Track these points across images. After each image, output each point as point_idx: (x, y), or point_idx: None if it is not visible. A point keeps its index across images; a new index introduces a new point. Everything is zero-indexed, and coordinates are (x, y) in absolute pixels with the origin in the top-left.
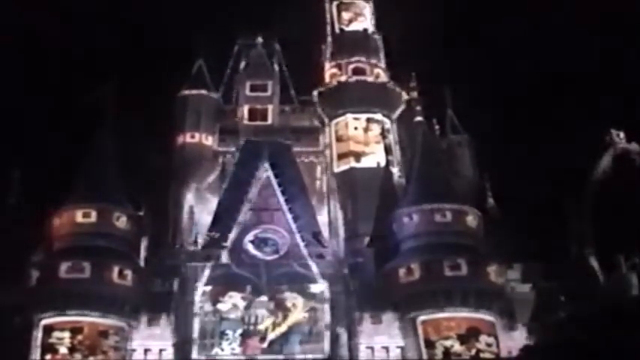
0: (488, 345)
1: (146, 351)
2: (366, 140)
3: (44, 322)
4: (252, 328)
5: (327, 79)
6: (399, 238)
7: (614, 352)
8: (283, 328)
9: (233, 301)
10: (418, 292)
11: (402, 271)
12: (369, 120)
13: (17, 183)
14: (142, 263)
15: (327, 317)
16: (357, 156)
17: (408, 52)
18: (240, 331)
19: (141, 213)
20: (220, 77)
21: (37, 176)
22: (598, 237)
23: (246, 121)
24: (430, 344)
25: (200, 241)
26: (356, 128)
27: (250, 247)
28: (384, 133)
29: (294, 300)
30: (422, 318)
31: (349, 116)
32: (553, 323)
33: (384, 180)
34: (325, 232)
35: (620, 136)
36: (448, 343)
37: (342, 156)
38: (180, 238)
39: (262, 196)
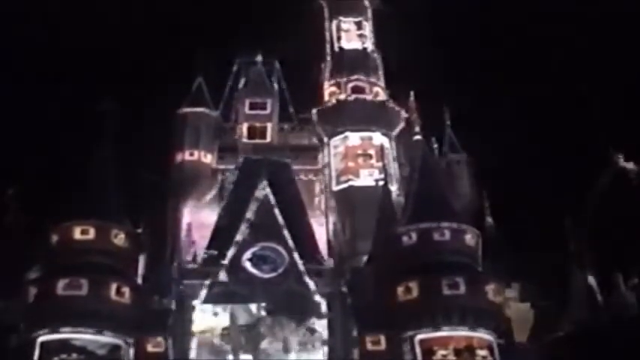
0: None
1: None
2: (365, 159)
3: (41, 339)
4: (250, 346)
5: (326, 97)
6: (397, 256)
7: None
8: (281, 346)
9: (231, 319)
10: (416, 310)
11: (400, 290)
12: (367, 138)
13: (15, 199)
14: (139, 280)
15: (324, 335)
16: (356, 174)
17: (407, 70)
18: (237, 349)
19: (139, 230)
20: (220, 95)
21: (34, 192)
22: (597, 256)
23: (245, 139)
24: None
25: (198, 258)
26: (355, 146)
27: (248, 265)
28: (382, 152)
29: (291, 318)
30: (420, 337)
31: (348, 134)
32: (552, 342)
33: (383, 198)
34: (324, 250)
35: (618, 156)
36: None
37: (340, 174)
38: (178, 256)
39: (261, 214)
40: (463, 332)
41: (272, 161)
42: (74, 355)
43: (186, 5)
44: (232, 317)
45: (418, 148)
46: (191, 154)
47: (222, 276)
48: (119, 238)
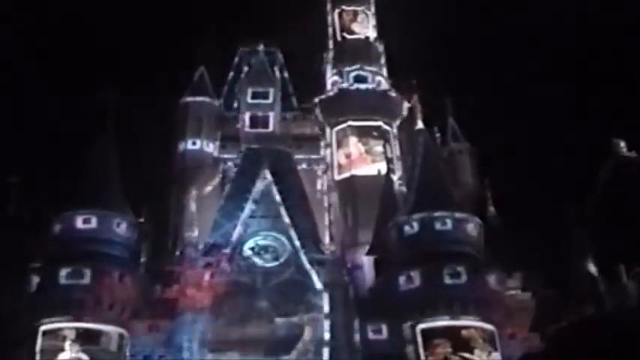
0: (488, 353)
1: (145, 357)
2: (367, 148)
3: (44, 328)
4: (251, 334)
5: (328, 86)
6: (399, 245)
7: None
8: (283, 335)
9: (233, 308)
10: (418, 300)
11: (401, 279)
12: (370, 128)
13: (17, 189)
14: (142, 270)
15: (326, 325)
16: (358, 164)
17: (409, 59)
18: (239, 337)
19: (141, 219)
20: (222, 84)
21: (37, 182)
22: (599, 246)
23: (247, 129)
24: (430, 352)
25: (200, 247)
26: (357, 136)
27: (250, 255)
28: (384, 141)
29: (293, 307)
30: (421, 326)
31: (350, 124)
32: (553, 332)
33: (385, 188)
34: (325, 240)
35: (621, 145)
36: (447, 351)
37: (342, 164)
38: (181, 245)
39: (263, 204)
40: (465, 321)
41: (274, 150)
42: (77, 344)
43: None
44: (234, 307)
45: (420, 138)
46: (193, 144)
47: (224, 265)
48: (121, 227)
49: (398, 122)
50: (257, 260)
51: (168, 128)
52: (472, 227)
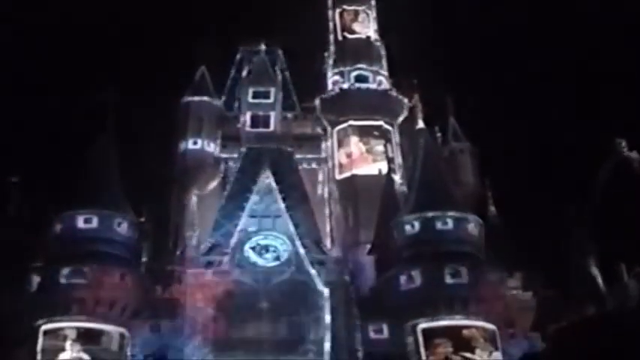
0: (489, 353)
1: (146, 357)
2: (368, 148)
3: (45, 327)
4: (252, 334)
5: (329, 86)
6: (400, 245)
7: None
8: (284, 335)
9: (234, 308)
10: (419, 299)
11: (402, 279)
12: (371, 127)
13: (17, 189)
14: (142, 269)
15: (327, 324)
16: (359, 163)
17: (410, 59)
18: (240, 337)
19: (142, 219)
20: (223, 84)
21: (37, 182)
22: (599, 246)
23: (248, 128)
24: (431, 352)
25: (201, 247)
26: (358, 135)
27: (251, 254)
28: (385, 141)
29: (294, 307)
30: (422, 325)
31: (351, 123)
32: (554, 331)
33: (386, 187)
34: (326, 240)
35: (622, 145)
36: (449, 350)
37: (343, 163)
38: (182, 244)
39: (263, 203)
40: (465, 321)
41: (275, 150)
42: (78, 343)
43: None
44: (235, 307)
45: (421, 137)
46: (194, 143)
47: (225, 265)
48: (122, 227)
49: (399, 122)
50: (258, 260)
51: (168, 128)
52: (473, 227)
